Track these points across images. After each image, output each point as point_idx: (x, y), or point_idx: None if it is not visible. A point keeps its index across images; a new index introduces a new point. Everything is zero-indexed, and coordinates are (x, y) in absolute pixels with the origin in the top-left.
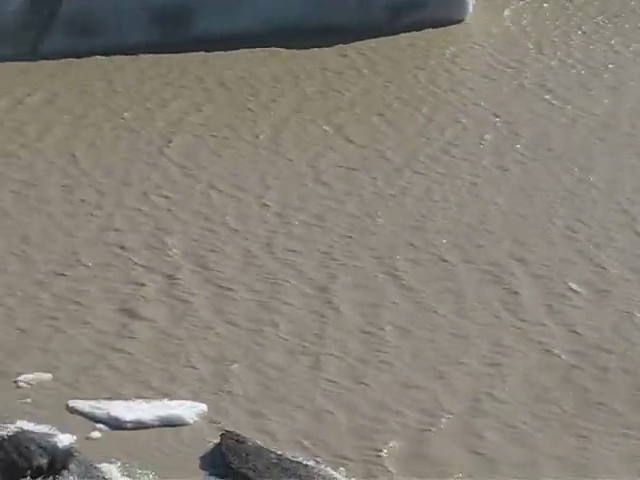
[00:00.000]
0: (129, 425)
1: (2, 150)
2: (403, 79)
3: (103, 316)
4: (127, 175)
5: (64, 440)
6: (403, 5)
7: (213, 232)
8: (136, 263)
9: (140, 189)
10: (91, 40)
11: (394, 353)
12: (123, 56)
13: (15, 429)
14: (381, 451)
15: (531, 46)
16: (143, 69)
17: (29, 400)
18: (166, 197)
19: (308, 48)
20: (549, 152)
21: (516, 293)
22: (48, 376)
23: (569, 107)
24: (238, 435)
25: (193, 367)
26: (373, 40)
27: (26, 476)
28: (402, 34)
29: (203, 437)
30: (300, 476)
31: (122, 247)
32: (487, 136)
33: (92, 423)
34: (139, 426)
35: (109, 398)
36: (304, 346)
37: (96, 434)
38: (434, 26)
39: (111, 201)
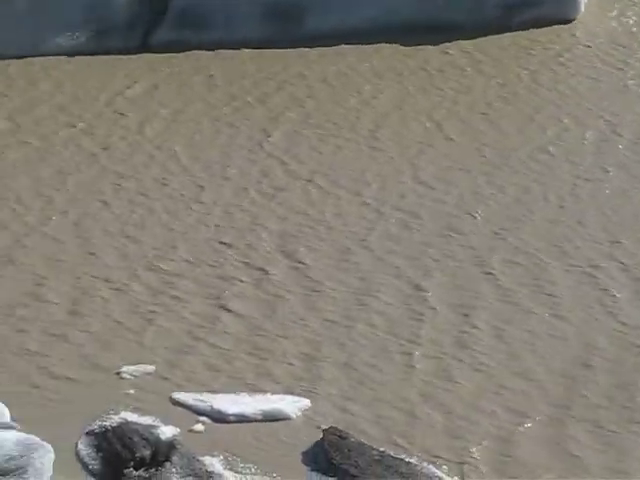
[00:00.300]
0: (232, 418)
1: (103, 142)
2: (506, 78)
3: (197, 310)
4: (226, 170)
5: (167, 432)
6: (517, 3)
7: (311, 228)
8: (232, 258)
9: (239, 184)
10: (199, 34)
11: (489, 353)
12: (227, 50)
13: (119, 420)
14: (473, 451)
15: (636, 47)
16: (246, 64)
17: (132, 392)
18: (265, 192)
19: (412, 45)
20: None
21: (614, 295)
22: (151, 368)
23: None
24: (341, 431)
25: (289, 363)
26: (478, 39)
27: (129, 467)
28: (506, 33)
29: (305, 432)
30: (402, 473)
31: (220, 242)
32: (589, 136)
33: (195, 416)
34: (242, 419)
35: (212, 391)
36: (400, 344)
37: (199, 427)
38: (546, 25)
39: (210, 196)
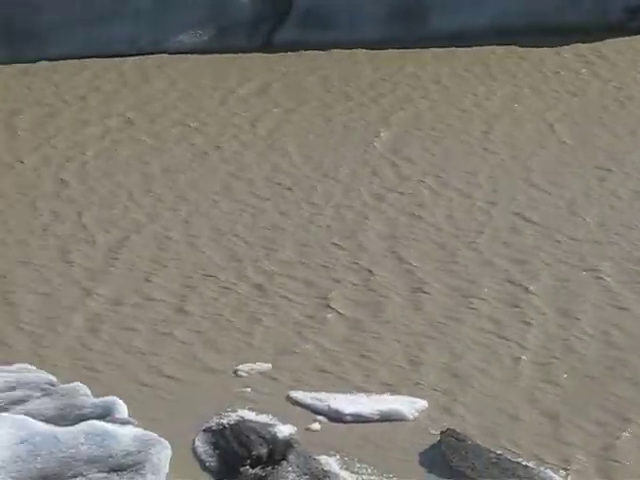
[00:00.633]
0: (348, 418)
1: (214, 140)
2: (622, 81)
3: (305, 310)
4: (338, 170)
5: (284, 431)
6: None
7: (421, 230)
8: (342, 258)
9: (350, 184)
10: (322, 34)
11: (594, 358)
12: (343, 50)
13: (236, 418)
14: (579, 457)
15: None
16: (361, 64)
17: (249, 390)
18: (376, 193)
19: (527, 47)
20: None
21: None
22: (267, 366)
23: None
24: (458, 433)
25: (396, 365)
26: (595, 43)
27: (245, 465)
28: (624, 37)
29: (422, 433)
30: (520, 477)
31: (330, 242)
32: None
33: (312, 415)
34: (358, 419)
35: (329, 390)
36: (508, 347)
37: (316, 426)
38: None
39: (321, 196)
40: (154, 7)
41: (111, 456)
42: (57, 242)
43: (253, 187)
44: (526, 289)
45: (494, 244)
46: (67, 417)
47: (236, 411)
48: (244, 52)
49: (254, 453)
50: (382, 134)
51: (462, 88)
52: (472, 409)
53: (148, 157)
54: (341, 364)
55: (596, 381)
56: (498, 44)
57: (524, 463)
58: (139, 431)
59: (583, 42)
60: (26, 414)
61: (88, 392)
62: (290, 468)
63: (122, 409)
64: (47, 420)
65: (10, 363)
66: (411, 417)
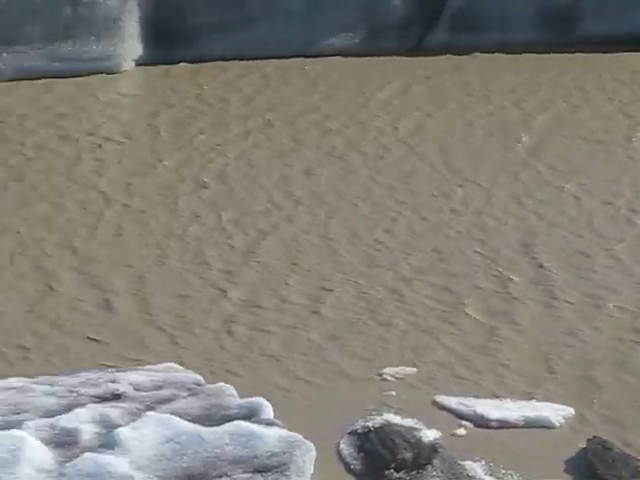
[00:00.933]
0: (494, 424)
1: (354, 143)
2: None
3: (436, 314)
4: (476, 174)
5: (429, 435)
6: None
7: (560, 236)
8: (477, 263)
9: (489, 189)
10: (473, 37)
11: None
12: (483, 55)
13: (381, 421)
14: None
15: None
16: (502, 67)
17: (393, 393)
18: (514, 198)
19: None
20: None
21: None
22: (412, 370)
23: None
24: (605, 441)
25: (525, 374)
26: None
27: (390, 469)
28: None
29: (568, 441)
30: None
31: (465, 246)
32: None
33: (457, 420)
34: (504, 425)
35: (475, 396)
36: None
37: (461, 431)
38: None
39: (460, 200)
40: (307, 8)
41: (256, 457)
42: (196, 243)
43: (391, 189)
44: None
45: (635, 253)
46: (213, 417)
47: (381, 414)
48: (395, 55)
49: (399, 457)
50: (524, 139)
51: (604, 92)
52: (613, 418)
53: (288, 159)
54: (477, 370)
55: None
56: None
57: None
58: (284, 432)
59: None
60: (172, 413)
61: (234, 393)
62: (435, 473)
63: (268, 410)
64: (193, 420)
65: (152, 363)
66: (558, 424)
